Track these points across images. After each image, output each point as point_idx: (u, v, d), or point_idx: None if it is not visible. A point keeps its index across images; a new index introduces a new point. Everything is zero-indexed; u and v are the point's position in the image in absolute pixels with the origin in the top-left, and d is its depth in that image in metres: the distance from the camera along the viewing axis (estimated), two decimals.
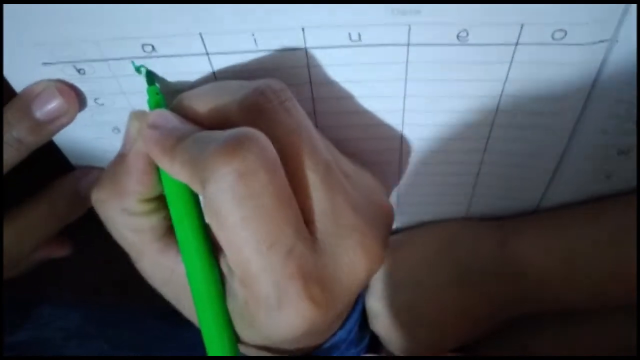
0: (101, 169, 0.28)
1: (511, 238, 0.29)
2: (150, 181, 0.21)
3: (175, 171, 0.19)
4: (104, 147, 0.26)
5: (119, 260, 0.36)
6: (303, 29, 0.21)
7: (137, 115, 0.22)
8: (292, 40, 0.21)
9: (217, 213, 0.18)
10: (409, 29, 0.20)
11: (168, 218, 0.22)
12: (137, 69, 0.22)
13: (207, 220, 0.19)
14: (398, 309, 0.31)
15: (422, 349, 0.32)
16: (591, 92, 0.23)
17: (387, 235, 0.22)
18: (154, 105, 0.22)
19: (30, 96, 0.23)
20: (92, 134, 0.26)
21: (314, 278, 0.19)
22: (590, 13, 0.19)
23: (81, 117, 0.24)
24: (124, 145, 0.22)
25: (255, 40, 0.21)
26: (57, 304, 0.40)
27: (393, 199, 0.30)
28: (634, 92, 0.22)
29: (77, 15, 0.20)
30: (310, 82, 0.23)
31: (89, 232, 0.33)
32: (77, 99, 0.24)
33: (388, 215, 0.22)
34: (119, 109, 0.24)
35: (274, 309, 0.18)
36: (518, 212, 0.30)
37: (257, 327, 0.20)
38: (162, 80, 0.23)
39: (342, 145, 0.26)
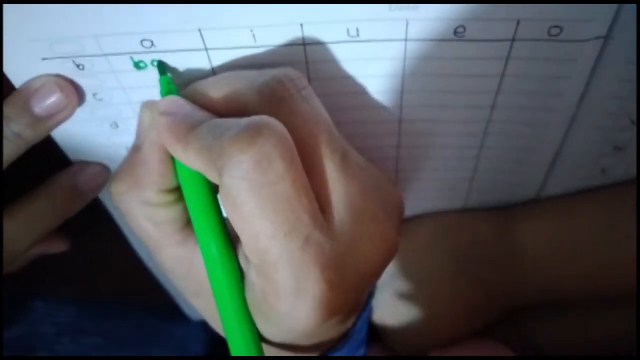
0: (99, 164, 0.28)
1: (508, 227, 0.29)
2: (168, 171, 0.21)
3: (190, 159, 0.19)
4: (103, 143, 0.26)
5: (114, 256, 0.36)
6: (302, 25, 0.21)
7: (149, 104, 0.21)
8: (290, 36, 0.21)
9: (233, 201, 0.18)
10: (407, 25, 0.20)
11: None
12: (137, 65, 0.23)
13: (224, 208, 0.19)
14: (397, 299, 0.31)
15: (420, 340, 0.32)
16: (587, 88, 0.23)
17: (400, 224, 0.22)
18: (166, 94, 0.22)
19: (30, 91, 0.23)
20: (90, 130, 0.26)
21: (332, 265, 0.19)
22: (586, 10, 0.20)
23: (80, 112, 0.25)
24: (138, 136, 0.22)
25: (254, 36, 0.21)
26: (51, 300, 0.40)
27: None
28: (629, 88, 0.23)
29: (77, 11, 0.20)
30: (309, 77, 0.23)
31: (86, 227, 0.33)
32: (76, 94, 0.24)
33: (400, 204, 0.22)
34: (117, 105, 0.24)
35: (292, 297, 0.18)
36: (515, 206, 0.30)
37: (275, 319, 0.20)
38: (174, 71, 0.23)
39: None
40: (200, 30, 0.21)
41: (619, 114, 0.24)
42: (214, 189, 0.21)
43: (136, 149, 0.22)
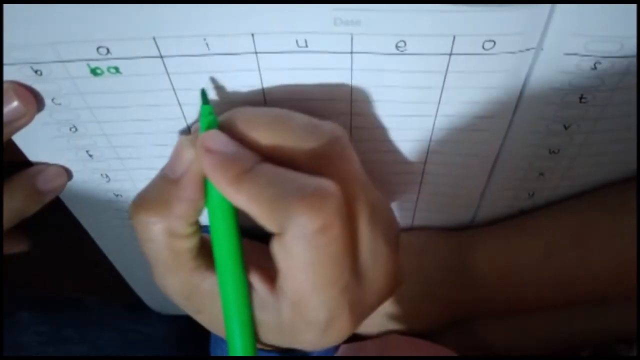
0: (59, 166, 0.28)
1: (466, 252, 0.31)
2: (202, 206, 0.22)
3: (242, 202, 0.20)
4: (62, 145, 0.27)
5: (97, 264, 0.36)
6: (252, 35, 0.22)
7: (190, 140, 0.22)
8: (242, 45, 0.22)
9: (290, 254, 0.20)
10: (352, 38, 0.21)
11: (202, 239, 0.23)
12: (93, 71, 0.23)
13: (277, 255, 0.21)
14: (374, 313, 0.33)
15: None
16: (521, 96, 0.24)
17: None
18: (206, 126, 0.22)
19: None
20: (50, 133, 0.26)
21: (358, 306, 0.21)
22: (517, 23, 0.21)
23: (39, 116, 0.25)
24: (172, 169, 0.22)
25: (207, 45, 0.22)
26: (35, 310, 0.40)
27: None
28: (561, 95, 0.24)
29: (33, 18, 0.21)
30: (262, 84, 0.24)
31: (63, 234, 0.33)
32: (35, 100, 0.24)
33: (399, 233, 0.24)
34: (76, 109, 0.25)
35: (320, 330, 0.21)
36: (461, 208, 0.32)
37: (297, 341, 0.22)
38: (220, 89, 0.24)
39: None
40: (154, 38, 0.22)
41: (552, 119, 0.25)
42: (237, 216, 0.22)
43: (168, 181, 0.22)
